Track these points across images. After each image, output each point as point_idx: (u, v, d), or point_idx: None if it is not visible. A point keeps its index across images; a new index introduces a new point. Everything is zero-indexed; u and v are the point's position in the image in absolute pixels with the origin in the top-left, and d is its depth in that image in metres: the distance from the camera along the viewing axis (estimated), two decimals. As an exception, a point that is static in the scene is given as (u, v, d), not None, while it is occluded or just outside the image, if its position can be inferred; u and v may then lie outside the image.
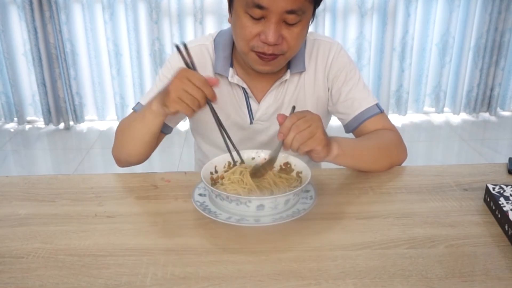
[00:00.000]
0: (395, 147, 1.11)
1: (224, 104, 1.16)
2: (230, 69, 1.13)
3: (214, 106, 1.16)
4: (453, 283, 0.72)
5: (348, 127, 1.18)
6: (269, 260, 0.78)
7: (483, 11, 3.11)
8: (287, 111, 1.17)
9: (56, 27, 3.01)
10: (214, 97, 0.93)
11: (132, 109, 1.18)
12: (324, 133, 0.91)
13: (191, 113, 0.93)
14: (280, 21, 0.97)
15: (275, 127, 1.18)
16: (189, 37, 3.10)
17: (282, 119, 0.89)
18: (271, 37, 0.96)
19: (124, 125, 1.12)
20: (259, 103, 1.16)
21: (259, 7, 0.95)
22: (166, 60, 1.19)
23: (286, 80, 1.14)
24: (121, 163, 1.15)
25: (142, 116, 1.04)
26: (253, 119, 1.17)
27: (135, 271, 0.76)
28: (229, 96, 1.16)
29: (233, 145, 0.98)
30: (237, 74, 1.14)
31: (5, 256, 0.80)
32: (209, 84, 0.92)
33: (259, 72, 1.08)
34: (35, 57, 3.07)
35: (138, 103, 1.17)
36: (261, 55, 1.01)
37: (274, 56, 1.01)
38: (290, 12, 0.95)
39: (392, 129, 1.16)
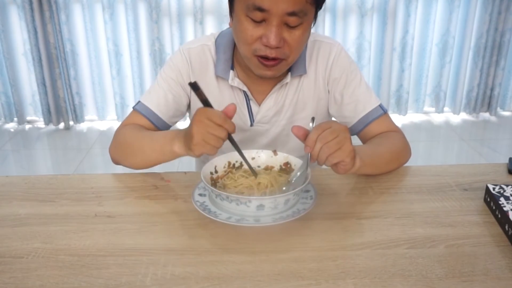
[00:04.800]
0: (402, 148, 1.11)
1: (224, 106, 1.16)
2: (231, 71, 1.12)
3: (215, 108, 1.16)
4: (453, 283, 0.72)
5: (352, 130, 1.17)
6: (269, 260, 0.78)
7: (483, 11, 3.11)
8: (287, 114, 1.18)
9: (56, 27, 3.01)
10: (234, 130, 0.88)
11: (134, 108, 1.17)
12: (351, 143, 0.87)
13: (216, 152, 0.90)
14: (281, 24, 0.96)
15: (275, 129, 1.19)
16: (189, 37, 3.10)
17: (297, 130, 0.86)
18: (272, 40, 0.96)
19: (131, 140, 1.08)
20: (259, 105, 1.16)
21: (260, 9, 0.94)
22: (168, 59, 1.18)
23: (286, 83, 1.14)
24: (118, 164, 1.13)
25: (159, 147, 1.00)
26: (253, 121, 1.17)
27: (135, 271, 0.76)
28: (230, 98, 1.16)
29: (250, 166, 0.95)
30: (238, 77, 1.14)
31: (5, 256, 0.80)
32: (229, 117, 0.88)
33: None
34: (35, 57, 3.07)
35: (139, 102, 1.16)
36: (263, 61, 1.00)
37: (276, 61, 1.00)
38: (291, 14, 0.95)
39: (397, 130, 1.16)
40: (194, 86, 0.86)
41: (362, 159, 0.94)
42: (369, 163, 0.99)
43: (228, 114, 0.89)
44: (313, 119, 0.93)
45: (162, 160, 1.03)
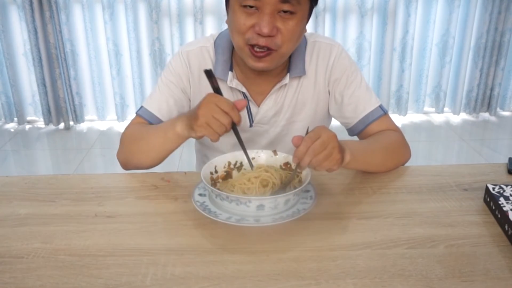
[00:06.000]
0: (400, 147, 1.12)
1: None
2: (230, 73, 1.13)
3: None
4: (453, 283, 0.72)
5: (353, 131, 1.19)
6: (269, 260, 0.78)
7: (483, 11, 3.11)
8: (286, 114, 1.18)
9: (56, 27, 3.01)
10: (239, 121, 0.94)
11: (136, 113, 1.17)
12: (340, 151, 0.90)
13: (217, 138, 0.94)
14: (274, 13, 0.98)
15: (275, 129, 1.19)
16: (189, 37, 3.10)
17: (297, 141, 0.87)
18: (264, 27, 0.97)
19: (136, 135, 1.10)
20: (258, 106, 1.16)
21: None
22: (168, 63, 1.18)
23: (285, 84, 1.14)
24: (128, 167, 1.13)
25: (163, 133, 1.03)
26: (252, 122, 1.18)
27: (135, 271, 0.76)
28: (229, 99, 1.16)
29: (250, 163, 0.98)
30: (237, 78, 1.14)
31: (5, 256, 0.80)
32: (237, 108, 0.92)
33: (256, 71, 1.07)
34: (35, 57, 3.07)
35: (142, 107, 1.17)
36: (253, 51, 1.01)
37: (267, 52, 1.01)
38: (284, 1, 0.96)
39: (396, 129, 1.16)
40: (209, 74, 0.92)
41: (352, 154, 0.95)
42: (361, 159, 1.00)
43: (237, 106, 0.93)
44: (307, 131, 0.92)
45: (167, 146, 1.04)
